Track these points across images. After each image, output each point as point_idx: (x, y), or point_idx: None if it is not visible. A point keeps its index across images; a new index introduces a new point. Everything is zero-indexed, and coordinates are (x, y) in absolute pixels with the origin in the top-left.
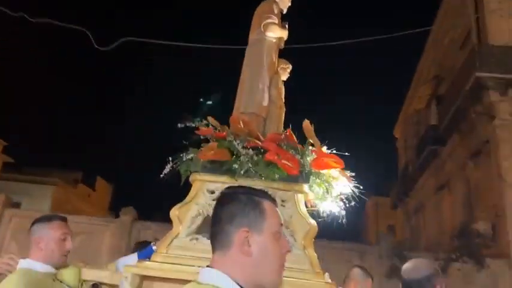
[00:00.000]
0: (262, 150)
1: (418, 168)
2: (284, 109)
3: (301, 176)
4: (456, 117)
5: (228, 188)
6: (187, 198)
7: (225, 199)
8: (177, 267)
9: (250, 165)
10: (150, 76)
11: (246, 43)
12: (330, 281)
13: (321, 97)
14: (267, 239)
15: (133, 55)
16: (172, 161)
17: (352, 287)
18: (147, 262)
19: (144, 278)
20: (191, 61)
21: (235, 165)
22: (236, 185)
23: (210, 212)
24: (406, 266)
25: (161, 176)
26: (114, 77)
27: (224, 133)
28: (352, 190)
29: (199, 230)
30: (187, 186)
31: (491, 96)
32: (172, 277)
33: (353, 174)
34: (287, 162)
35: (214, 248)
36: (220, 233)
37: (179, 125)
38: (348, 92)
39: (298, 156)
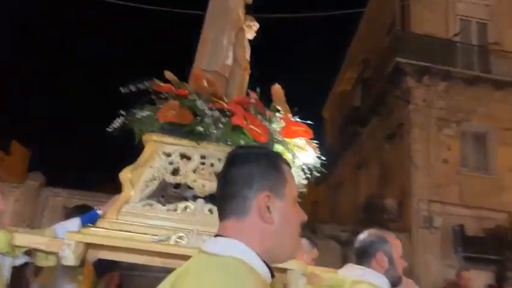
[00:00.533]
0: (228, 113)
1: (340, 147)
2: (249, 71)
3: (268, 144)
4: (377, 100)
5: (240, 148)
6: (140, 160)
7: (240, 160)
8: (128, 235)
9: (214, 128)
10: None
11: None
12: None
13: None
14: (288, 205)
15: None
16: (124, 117)
17: (299, 257)
18: (94, 228)
19: (89, 246)
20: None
21: (199, 128)
22: (246, 146)
23: (166, 176)
24: (359, 235)
25: (109, 130)
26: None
27: (186, 91)
28: (316, 161)
29: (153, 196)
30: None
31: (408, 81)
32: (122, 246)
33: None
34: (255, 128)
35: (224, 215)
36: (235, 197)
37: (122, 89)
38: (281, 70)
39: (266, 123)
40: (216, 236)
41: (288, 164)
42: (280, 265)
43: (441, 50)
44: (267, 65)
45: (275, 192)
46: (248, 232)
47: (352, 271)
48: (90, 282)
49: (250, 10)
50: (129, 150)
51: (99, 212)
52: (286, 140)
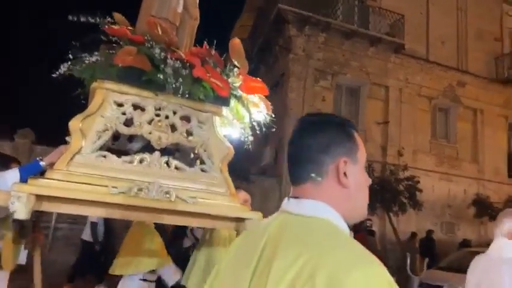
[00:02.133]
0: (188, 64)
1: None
2: (198, 21)
3: (225, 98)
4: (263, 49)
5: (313, 115)
6: (91, 108)
7: (316, 127)
8: (82, 186)
9: (174, 79)
10: None
11: None
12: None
13: None
14: (360, 170)
15: None
16: (71, 62)
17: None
18: (46, 180)
19: (40, 198)
20: None
21: (160, 76)
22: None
23: (119, 127)
24: None
25: (53, 76)
26: None
27: (141, 37)
28: (266, 118)
29: (104, 147)
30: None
31: (290, 30)
32: (76, 197)
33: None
34: (217, 82)
35: (300, 178)
36: (312, 162)
37: (71, 17)
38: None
39: (224, 77)
40: (295, 197)
41: (357, 130)
42: (236, 215)
43: (323, 1)
44: None
45: (350, 158)
46: (327, 195)
47: None
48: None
49: None
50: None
51: (42, 163)
52: (243, 95)
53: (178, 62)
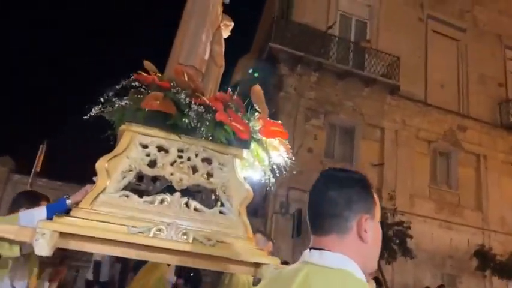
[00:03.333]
0: (212, 109)
1: None
2: (223, 68)
3: (249, 141)
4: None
5: (336, 170)
6: (118, 149)
7: (341, 182)
8: (105, 225)
9: (198, 123)
10: None
11: None
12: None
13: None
14: (376, 225)
15: None
16: (103, 105)
17: None
18: (69, 218)
19: (62, 235)
20: None
21: (185, 120)
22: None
23: (143, 168)
24: None
25: (85, 118)
26: None
27: (168, 83)
28: (286, 161)
29: (128, 187)
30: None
31: (281, 69)
32: (98, 236)
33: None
34: (238, 125)
35: (323, 230)
36: (337, 216)
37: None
38: None
39: (245, 121)
40: (317, 249)
41: (372, 187)
42: (254, 259)
43: (316, 41)
44: None
45: (369, 214)
46: (349, 249)
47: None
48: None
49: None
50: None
51: (68, 201)
52: (263, 139)
53: (201, 106)
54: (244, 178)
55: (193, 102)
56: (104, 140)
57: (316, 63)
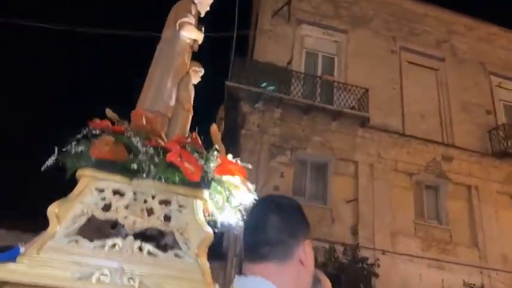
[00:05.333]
0: (163, 150)
1: None
2: (192, 113)
3: (203, 182)
4: (228, 130)
5: (276, 197)
6: (72, 195)
7: (282, 210)
8: (49, 272)
9: (149, 165)
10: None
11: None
12: None
13: None
14: (310, 247)
15: None
16: (58, 153)
17: None
18: (12, 264)
19: (4, 284)
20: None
21: (134, 165)
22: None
23: (96, 212)
24: None
25: (42, 169)
26: None
27: (122, 128)
28: (252, 200)
29: (79, 232)
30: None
31: (243, 107)
32: (41, 283)
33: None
34: (189, 166)
35: (263, 257)
36: (281, 243)
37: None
38: None
39: (201, 161)
40: (244, 275)
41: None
42: None
43: (277, 77)
44: None
45: (308, 239)
46: (290, 275)
47: None
48: None
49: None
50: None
51: (22, 249)
52: (223, 178)
53: (152, 148)
54: (215, 222)
55: (143, 144)
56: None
57: (277, 99)
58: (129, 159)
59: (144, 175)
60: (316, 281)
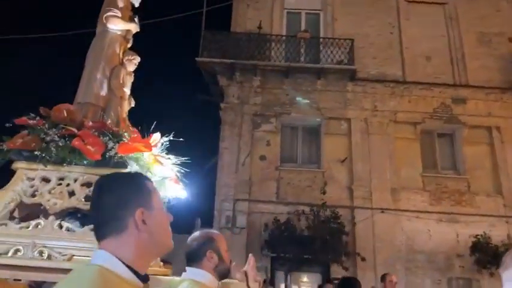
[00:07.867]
0: (71, 137)
1: None
2: (127, 99)
3: (106, 160)
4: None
5: (106, 176)
6: (8, 185)
7: (110, 187)
8: None
9: (54, 151)
10: None
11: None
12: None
13: None
14: (158, 212)
15: None
16: None
17: None
18: None
19: None
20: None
21: (37, 152)
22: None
23: (24, 198)
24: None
25: None
26: None
27: (39, 121)
28: (175, 171)
29: (8, 216)
30: None
31: (220, 80)
32: None
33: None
34: (90, 148)
35: (103, 235)
36: (112, 220)
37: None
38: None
39: (111, 142)
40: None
41: (149, 180)
42: None
43: (251, 45)
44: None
45: (146, 207)
46: (125, 244)
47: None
48: None
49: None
50: None
51: None
52: (139, 155)
53: (57, 136)
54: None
55: (54, 133)
56: None
57: (254, 66)
58: (39, 148)
59: (55, 161)
60: (209, 240)
